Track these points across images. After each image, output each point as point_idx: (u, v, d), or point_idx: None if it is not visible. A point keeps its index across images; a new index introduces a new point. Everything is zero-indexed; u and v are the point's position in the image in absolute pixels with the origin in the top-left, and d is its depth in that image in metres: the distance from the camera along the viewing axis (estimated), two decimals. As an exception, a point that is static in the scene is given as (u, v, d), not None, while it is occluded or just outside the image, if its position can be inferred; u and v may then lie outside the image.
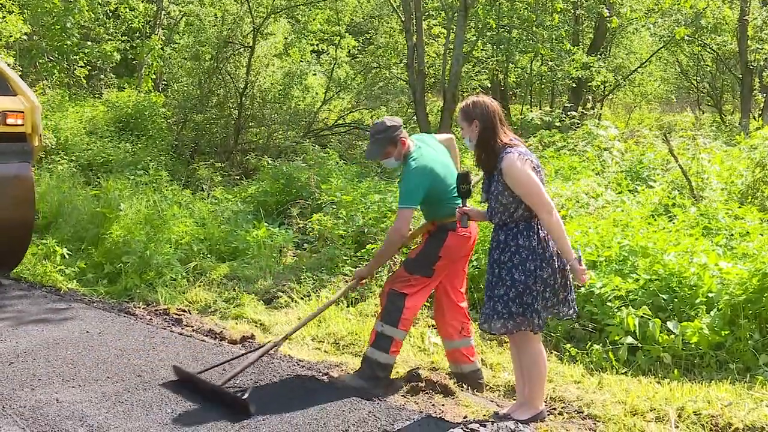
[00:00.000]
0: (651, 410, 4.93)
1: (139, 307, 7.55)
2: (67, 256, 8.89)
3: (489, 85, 21.06)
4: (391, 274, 5.53)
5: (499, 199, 4.56)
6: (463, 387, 5.50)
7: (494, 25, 17.49)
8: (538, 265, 4.52)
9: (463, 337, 5.54)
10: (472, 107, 4.69)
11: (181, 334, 6.66)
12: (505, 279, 4.58)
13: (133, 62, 20.53)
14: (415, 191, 5.18)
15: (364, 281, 5.73)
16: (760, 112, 18.58)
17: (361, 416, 4.84)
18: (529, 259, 4.52)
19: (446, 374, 5.60)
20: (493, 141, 4.59)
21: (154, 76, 19.12)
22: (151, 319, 7.16)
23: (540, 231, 4.56)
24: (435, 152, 5.40)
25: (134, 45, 18.84)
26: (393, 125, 5.32)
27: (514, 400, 5.35)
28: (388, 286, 5.35)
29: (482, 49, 19.77)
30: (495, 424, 4.40)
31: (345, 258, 8.44)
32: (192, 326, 6.97)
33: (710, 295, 6.17)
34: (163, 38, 19.80)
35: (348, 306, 7.48)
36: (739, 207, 8.20)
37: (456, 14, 15.55)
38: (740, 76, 20.36)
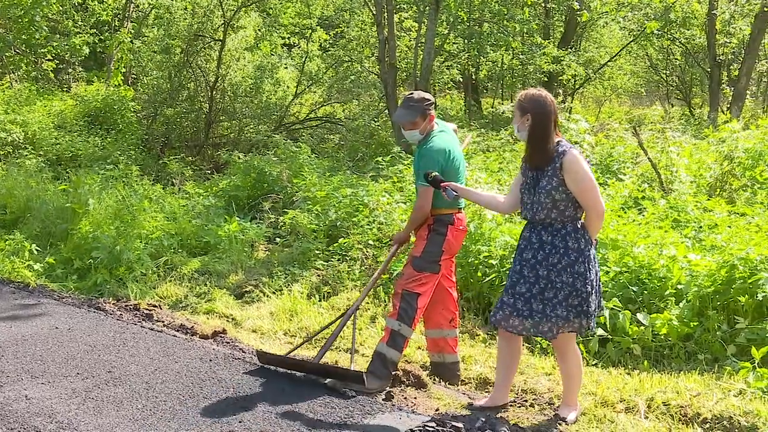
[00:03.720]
0: (621, 401, 4.98)
1: (109, 303, 7.50)
2: (35, 252, 8.79)
3: (461, 79, 21.09)
4: (400, 275, 5.53)
5: (552, 195, 4.48)
6: (435, 380, 5.53)
7: (465, 19, 17.53)
8: (587, 267, 4.50)
9: (452, 327, 5.61)
10: (526, 101, 4.60)
11: (151, 329, 6.61)
12: (555, 282, 4.52)
13: (102, 55, 20.30)
14: (435, 167, 5.20)
15: (403, 245, 5.68)
16: (728, 106, 18.78)
17: (333, 409, 4.84)
18: (579, 261, 4.49)
19: (420, 367, 5.62)
20: (546, 137, 4.52)
21: (123, 70, 18.92)
22: (121, 314, 7.10)
23: (585, 233, 4.55)
24: (453, 138, 5.50)
25: (103, 38, 18.64)
26: (429, 99, 5.40)
27: (486, 393, 5.39)
28: (400, 287, 5.35)
29: (454, 43, 19.80)
30: (466, 415, 4.41)
31: (317, 252, 8.43)
32: (163, 321, 6.92)
33: (679, 286, 6.24)
34: (132, 31, 19.58)
35: (320, 300, 7.48)
36: (708, 199, 8.30)
37: (427, 7, 15.55)
38: (709, 69, 20.58)
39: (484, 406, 4.90)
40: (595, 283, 4.57)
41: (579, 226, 4.54)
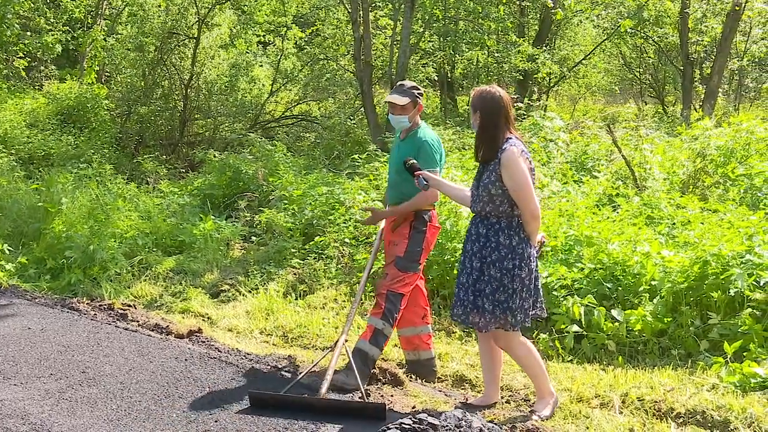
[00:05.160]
0: (596, 397, 5.02)
1: (83, 303, 7.43)
2: (7, 252, 8.68)
3: (436, 77, 21.10)
4: (383, 275, 5.48)
5: (489, 189, 4.57)
6: (412, 377, 5.53)
7: (441, 17, 17.54)
8: (516, 264, 4.54)
9: (424, 323, 5.63)
10: (477, 97, 4.69)
11: (126, 329, 6.56)
12: (484, 274, 4.61)
13: (75, 53, 20.08)
14: (435, 157, 5.29)
15: (372, 221, 5.70)
16: (700, 103, 18.92)
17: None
18: (508, 257, 4.54)
19: (396, 365, 5.63)
20: (494, 133, 4.60)
21: (97, 68, 18.73)
22: (95, 314, 7.04)
23: (520, 231, 4.58)
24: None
25: (76, 36, 18.44)
26: (419, 88, 5.47)
27: (462, 390, 5.40)
28: (384, 287, 5.34)
29: (429, 41, 19.82)
30: (442, 413, 4.42)
31: (293, 251, 8.41)
32: (137, 321, 6.87)
33: (653, 283, 6.29)
34: (106, 29, 19.39)
35: (296, 298, 7.46)
36: (681, 196, 8.37)
37: (403, 5, 15.55)
38: (681, 68, 20.74)
39: (476, 404, 4.94)
40: (527, 282, 4.58)
41: (514, 223, 4.59)
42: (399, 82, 5.58)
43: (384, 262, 5.62)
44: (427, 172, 5.07)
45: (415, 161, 5.12)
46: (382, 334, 5.30)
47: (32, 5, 17.62)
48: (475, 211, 4.73)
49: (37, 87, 19.12)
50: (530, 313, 4.67)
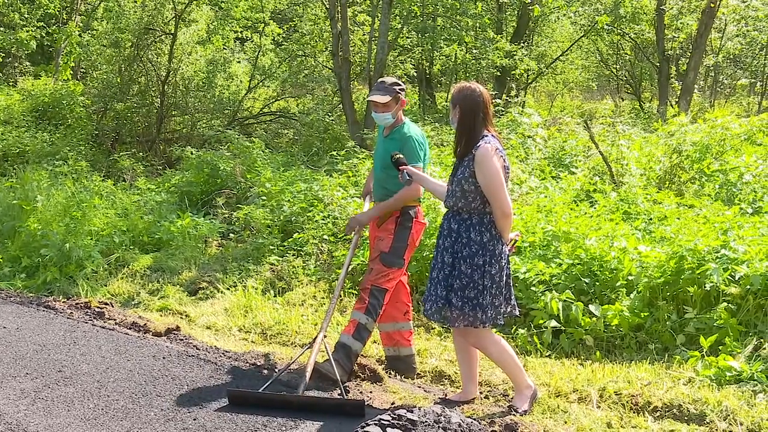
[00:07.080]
0: (574, 391, 5.04)
1: (59, 301, 7.36)
2: (-19, 250, 8.62)
3: (415, 73, 21.11)
4: (368, 271, 5.48)
5: (462, 184, 4.58)
6: (391, 373, 5.53)
7: (419, 13, 17.55)
8: (487, 260, 4.56)
9: (406, 319, 5.64)
10: (457, 92, 4.72)
11: (103, 327, 6.51)
12: (455, 269, 4.63)
13: (50, 49, 19.88)
14: (420, 151, 5.30)
15: (359, 229, 5.59)
16: (676, 99, 19.06)
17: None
18: (479, 254, 4.56)
19: (376, 361, 5.62)
20: (471, 129, 4.62)
21: (72, 64, 18.57)
22: (71, 312, 6.98)
23: (492, 228, 4.60)
24: None
25: (51, 32, 18.27)
26: (401, 84, 5.44)
27: (441, 386, 5.40)
28: (369, 282, 5.34)
29: (407, 37, 19.82)
30: (421, 408, 4.42)
31: (272, 247, 8.38)
32: (114, 319, 6.82)
33: (630, 278, 6.33)
34: (81, 24, 19.21)
35: (275, 296, 7.44)
36: (657, 192, 8.43)
37: (381, 1, 15.53)
38: (658, 64, 20.89)
39: (455, 400, 4.95)
40: (497, 279, 4.60)
41: (486, 220, 4.60)
42: (380, 80, 5.56)
43: (365, 258, 5.62)
44: (411, 168, 5.09)
45: (401, 156, 5.15)
46: (365, 329, 5.30)
47: (6, 1, 17.44)
48: (448, 206, 4.75)
49: (11, 83, 18.93)
50: (501, 310, 4.68)
